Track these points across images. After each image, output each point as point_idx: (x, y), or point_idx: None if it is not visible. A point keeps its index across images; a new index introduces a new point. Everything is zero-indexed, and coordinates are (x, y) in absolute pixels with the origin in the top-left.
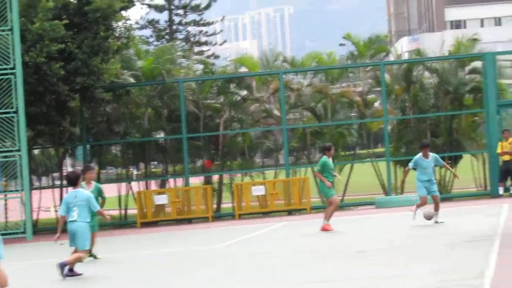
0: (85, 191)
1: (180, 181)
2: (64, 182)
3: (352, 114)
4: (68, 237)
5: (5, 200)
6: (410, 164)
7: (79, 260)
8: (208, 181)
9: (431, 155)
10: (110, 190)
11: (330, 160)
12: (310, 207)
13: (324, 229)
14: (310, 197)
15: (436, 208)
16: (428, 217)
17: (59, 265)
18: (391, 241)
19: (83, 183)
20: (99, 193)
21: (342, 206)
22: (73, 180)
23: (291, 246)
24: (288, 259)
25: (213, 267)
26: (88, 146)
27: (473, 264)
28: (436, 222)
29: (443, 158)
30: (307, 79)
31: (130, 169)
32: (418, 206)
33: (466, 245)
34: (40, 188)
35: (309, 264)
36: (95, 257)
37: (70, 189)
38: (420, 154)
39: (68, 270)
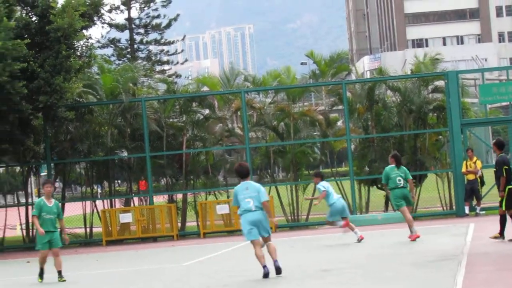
0: (254, 182)
1: (144, 200)
2: (30, 200)
3: (314, 133)
4: (246, 228)
5: None
6: None
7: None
8: (172, 200)
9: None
10: (75, 209)
11: (390, 169)
12: (275, 226)
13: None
14: (275, 216)
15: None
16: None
17: (266, 273)
18: (356, 260)
19: (43, 197)
20: (58, 211)
21: (307, 225)
22: (243, 173)
23: (256, 264)
24: (252, 277)
25: (178, 285)
26: (52, 164)
27: (440, 284)
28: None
29: None
30: (269, 98)
31: (95, 188)
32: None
33: (432, 265)
34: (6, 206)
35: (274, 283)
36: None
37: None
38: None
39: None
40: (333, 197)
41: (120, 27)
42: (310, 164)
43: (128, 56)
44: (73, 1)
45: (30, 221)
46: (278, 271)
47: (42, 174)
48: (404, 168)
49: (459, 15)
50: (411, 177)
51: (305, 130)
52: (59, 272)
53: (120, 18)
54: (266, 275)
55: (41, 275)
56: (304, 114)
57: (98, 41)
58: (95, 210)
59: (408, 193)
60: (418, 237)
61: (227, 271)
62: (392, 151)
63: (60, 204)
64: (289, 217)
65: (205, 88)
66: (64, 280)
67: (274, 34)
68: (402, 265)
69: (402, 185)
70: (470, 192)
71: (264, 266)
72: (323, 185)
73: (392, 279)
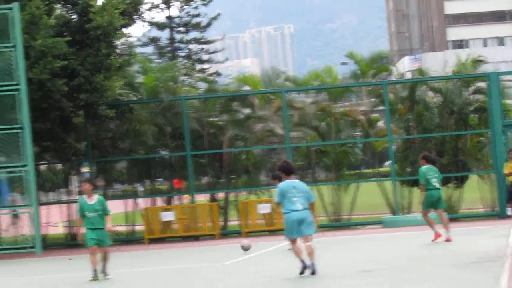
0: (301, 182)
1: (186, 198)
2: (71, 197)
3: (356, 133)
4: (289, 226)
5: (13, 214)
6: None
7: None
8: (214, 199)
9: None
10: (117, 207)
11: (427, 170)
12: (318, 226)
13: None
14: (317, 216)
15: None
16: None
17: (303, 266)
18: (397, 261)
19: (84, 196)
20: (102, 207)
21: (349, 225)
22: (289, 170)
23: (297, 264)
24: (292, 277)
25: (219, 284)
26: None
27: (483, 286)
28: None
29: (449, 178)
30: (310, 98)
31: (136, 186)
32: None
33: (474, 266)
34: (47, 203)
35: (313, 283)
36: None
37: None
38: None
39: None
40: None
41: (160, 26)
42: (351, 164)
43: (169, 54)
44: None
45: (72, 218)
46: (313, 273)
47: (82, 171)
48: (436, 168)
49: (499, 16)
50: (441, 177)
51: (347, 130)
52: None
53: (160, 16)
54: (303, 270)
55: (95, 276)
56: (345, 114)
57: (139, 40)
58: (136, 208)
59: (442, 195)
60: (436, 239)
61: (268, 271)
62: (424, 152)
63: (104, 200)
64: (331, 217)
65: (246, 87)
66: (108, 278)
67: (313, 34)
68: (443, 266)
69: (438, 186)
70: None
71: (302, 261)
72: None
73: (433, 279)
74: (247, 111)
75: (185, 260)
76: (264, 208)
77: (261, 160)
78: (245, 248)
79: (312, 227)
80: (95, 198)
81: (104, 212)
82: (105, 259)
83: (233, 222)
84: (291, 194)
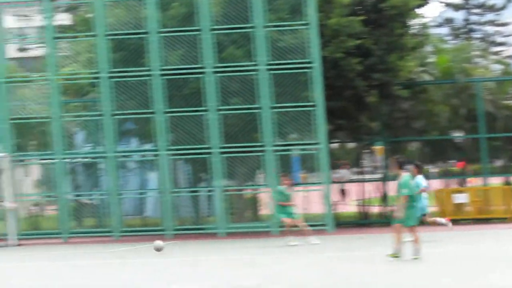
0: None
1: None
2: (366, 176)
3: None
4: None
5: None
6: None
7: None
8: (507, 182)
9: None
10: None
11: None
12: None
13: None
14: None
15: None
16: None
17: None
18: None
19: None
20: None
21: None
22: None
23: None
24: None
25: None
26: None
27: None
28: None
29: None
30: None
31: (428, 167)
32: None
33: None
34: (340, 182)
35: None
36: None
37: None
38: None
39: None
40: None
41: (456, 7)
42: None
43: (463, 36)
44: None
45: (364, 197)
46: None
47: (374, 150)
48: None
49: None
50: None
51: None
52: (416, 249)
53: None
54: None
55: (394, 253)
56: None
57: (433, 20)
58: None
59: None
60: None
61: None
62: None
63: (406, 180)
64: None
65: None
66: (417, 258)
67: None
68: None
69: None
70: None
71: None
72: (422, 179)
73: None
74: None
75: (480, 243)
76: None
77: None
78: (158, 249)
79: None
80: (402, 177)
81: (401, 193)
82: (414, 240)
83: None
84: None
